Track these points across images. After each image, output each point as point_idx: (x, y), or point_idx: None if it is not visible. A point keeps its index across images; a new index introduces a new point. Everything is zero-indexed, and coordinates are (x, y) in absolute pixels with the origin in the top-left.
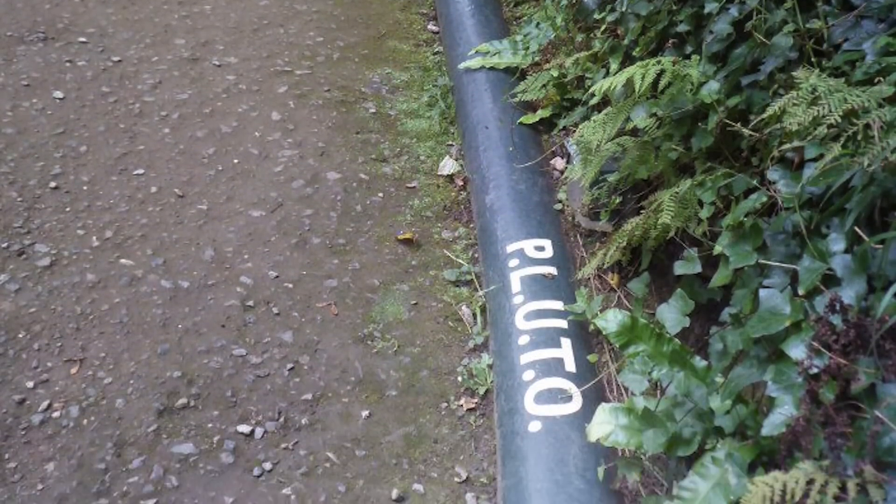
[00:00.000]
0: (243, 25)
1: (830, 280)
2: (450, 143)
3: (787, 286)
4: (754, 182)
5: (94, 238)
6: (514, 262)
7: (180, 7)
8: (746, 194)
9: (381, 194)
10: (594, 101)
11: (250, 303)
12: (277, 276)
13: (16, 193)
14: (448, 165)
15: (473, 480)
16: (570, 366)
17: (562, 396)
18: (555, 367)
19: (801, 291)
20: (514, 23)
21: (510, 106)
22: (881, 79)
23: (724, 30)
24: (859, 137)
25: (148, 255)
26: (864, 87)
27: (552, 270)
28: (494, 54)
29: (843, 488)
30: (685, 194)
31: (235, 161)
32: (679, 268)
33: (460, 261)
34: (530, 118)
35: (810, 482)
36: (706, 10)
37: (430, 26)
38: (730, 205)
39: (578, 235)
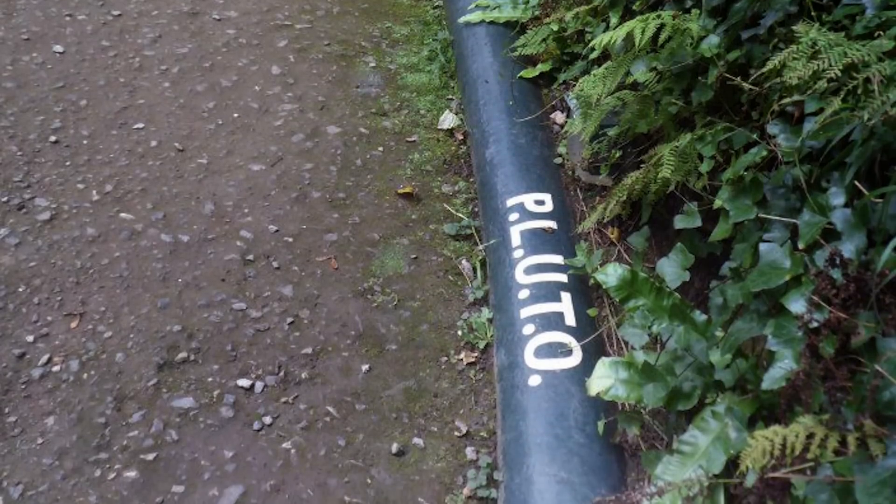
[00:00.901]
0: None
1: (830, 234)
2: (450, 97)
3: (787, 240)
4: (754, 136)
5: (94, 192)
6: (513, 217)
7: None
8: (746, 148)
9: (380, 148)
10: (594, 55)
11: (250, 257)
12: (277, 231)
13: (16, 147)
14: (448, 119)
15: (473, 434)
16: (570, 320)
17: (562, 350)
18: (555, 321)
19: (801, 245)
20: None
21: (510, 60)
22: (881, 33)
23: None
24: (859, 91)
25: (148, 209)
26: (864, 41)
27: (552, 224)
28: (494, 8)
29: (842, 442)
30: (685, 148)
31: (235, 115)
32: (679, 222)
33: (460, 215)
34: (530, 72)
35: (810, 436)
36: None
37: None
38: (730, 159)
39: (578, 189)
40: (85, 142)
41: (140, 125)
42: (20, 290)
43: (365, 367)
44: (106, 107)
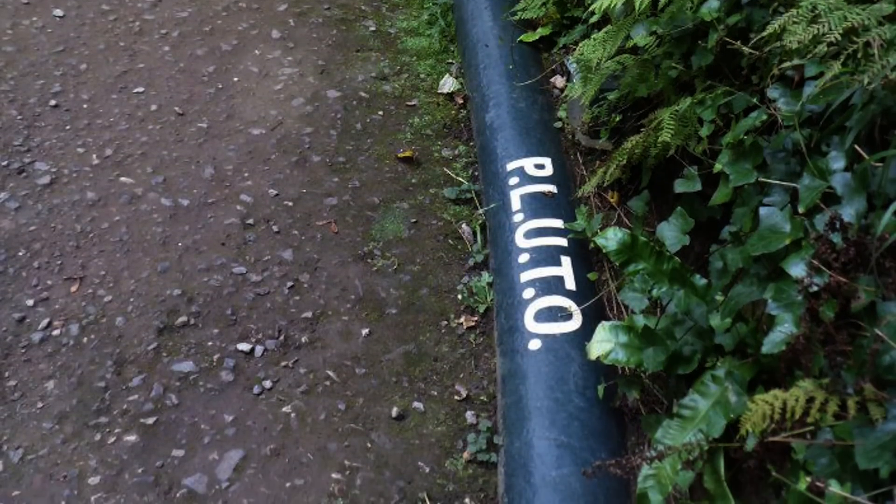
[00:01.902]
0: None
1: (830, 198)
2: (450, 61)
3: (786, 204)
4: (754, 100)
5: (94, 156)
6: (514, 181)
7: None
8: (746, 112)
9: (380, 112)
10: (594, 19)
11: (250, 221)
12: (277, 195)
13: (16, 111)
14: (448, 83)
15: (473, 398)
16: (570, 284)
17: (562, 314)
18: (555, 285)
19: (801, 209)
20: None
21: (510, 24)
22: None
23: None
24: (859, 55)
25: (148, 173)
26: (864, 5)
27: (552, 188)
28: None
29: (842, 406)
30: (685, 112)
31: (235, 79)
32: (679, 186)
33: (460, 179)
34: (530, 36)
35: (810, 400)
36: None
37: None
38: (730, 123)
39: (578, 153)
40: (85, 106)
41: (140, 89)
42: (20, 254)
43: (365, 331)
44: (106, 71)
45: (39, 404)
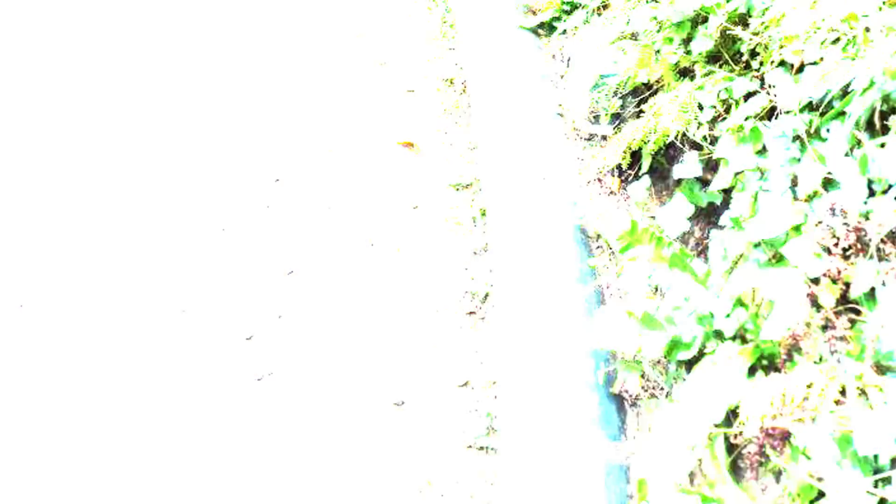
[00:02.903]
0: None
1: (830, 184)
2: (450, 46)
3: (787, 190)
4: (755, 85)
5: None
6: None
7: None
8: (746, 98)
9: (381, 97)
10: (594, 4)
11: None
12: (277, 181)
13: None
14: (449, 69)
15: (473, 384)
16: None
17: None
18: None
19: (801, 195)
20: None
21: (510, 9)
22: None
23: None
24: (859, 41)
25: None
26: None
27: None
28: None
29: (842, 392)
30: (685, 98)
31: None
32: (679, 171)
33: (461, 164)
34: (530, 21)
35: (810, 385)
36: None
37: None
38: (730, 108)
39: (578, 139)
40: None
41: None
42: None
43: (365, 316)
44: None
45: None
